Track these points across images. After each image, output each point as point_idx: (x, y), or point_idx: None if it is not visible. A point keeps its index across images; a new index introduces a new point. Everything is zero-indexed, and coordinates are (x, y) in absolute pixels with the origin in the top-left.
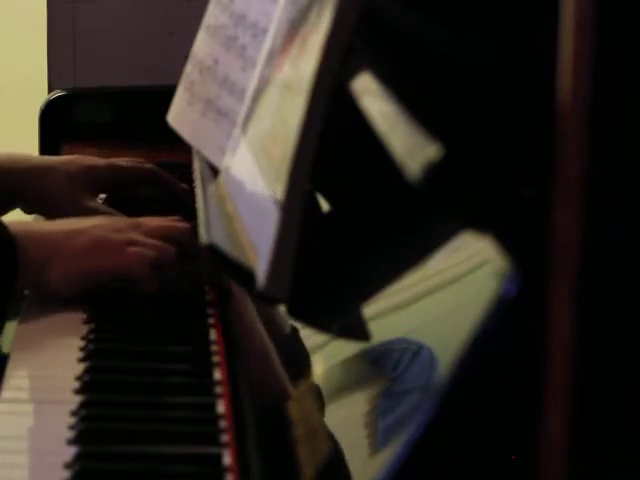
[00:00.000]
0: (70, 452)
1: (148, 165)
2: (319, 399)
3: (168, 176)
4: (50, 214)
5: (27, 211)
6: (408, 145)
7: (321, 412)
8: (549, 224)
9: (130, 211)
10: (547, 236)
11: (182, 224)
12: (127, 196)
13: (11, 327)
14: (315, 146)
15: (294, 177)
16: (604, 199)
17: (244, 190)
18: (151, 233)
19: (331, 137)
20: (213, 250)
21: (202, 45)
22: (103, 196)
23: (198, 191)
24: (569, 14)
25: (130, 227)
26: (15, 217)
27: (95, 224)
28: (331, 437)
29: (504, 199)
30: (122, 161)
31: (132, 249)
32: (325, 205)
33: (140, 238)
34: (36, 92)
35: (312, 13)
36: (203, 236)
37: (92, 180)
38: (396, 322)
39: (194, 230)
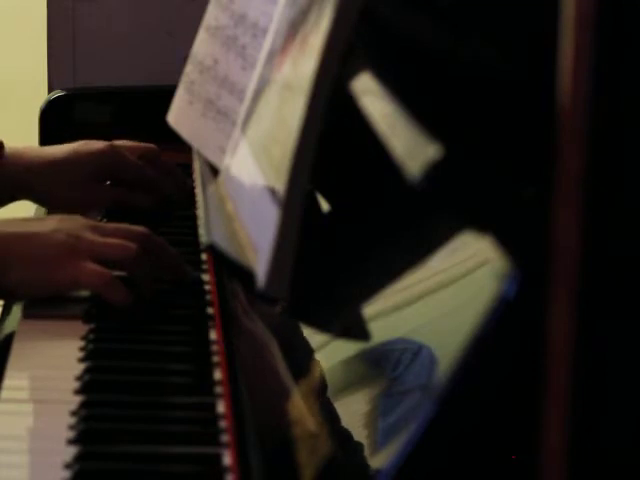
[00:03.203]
0: (70, 452)
1: (159, 156)
2: (319, 399)
3: (180, 173)
4: (55, 208)
5: (36, 202)
6: (408, 145)
7: (321, 412)
8: (549, 224)
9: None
10: (547, 236)
11: (141, 227)
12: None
13: (9, 325)
14: (315, 146)
15: (294, 177)
16: (604, 199)
17: (244, 190)
18: (110, 234)
19: (331, 137)
20: (213, 250)
21: (202, 45)
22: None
23: (198, 191)
24: (569, 13)
25: (89, 230)
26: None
27: (55, 227)
28: (331, 437)
29: (504, 199)
30: (125, 144)
31: (91, 266)
32: (325, 205)
33: (99, 240)
34: (36, 92)
35: (312, 13)
36: (203, 236)
37: (97, 168)
38: (396, 322)
39: (153, 234)
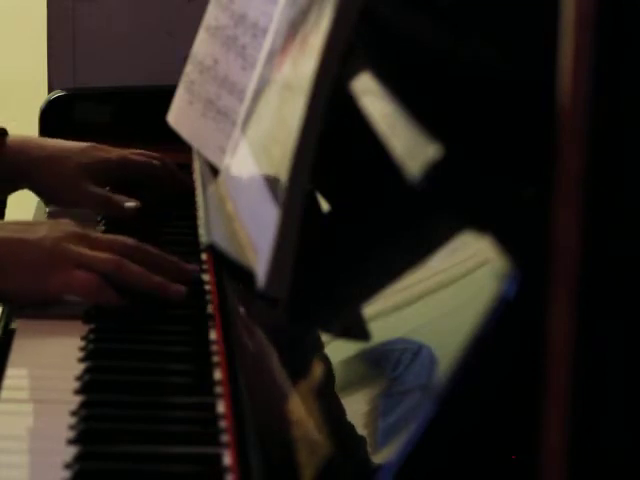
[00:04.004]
0: (70, 452)
1: (162, 160)
2: (319, 399)
3: (181, 173)
4: (57, 201)
5: (36, 193)
6: (408, 145)
7: (321, 412)
8: (549, 224)
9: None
10: (547, 236)
11: (129, 239)
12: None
13: (9, 325)
14: (315, 146)
15: (294, 177)
16: (604, 199)
17: (244, 190)
18: (98, 245)
19: (331, 137)
20: (213, 250)
21: (202, 45)
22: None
23: (198, 191)
24: (569, 13)
25: (78, 239)
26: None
27: (44, 234)
28: (331, 437)
29: (504, 199)
30: (136, 154)
31: (79, 273)
32: (325, 205)
33: (86, 252)
34: (36, 92)
35: (312, 13)
36: (203, 236)
37: (102, 173)
38: (396, 322)
39: (142, 244)
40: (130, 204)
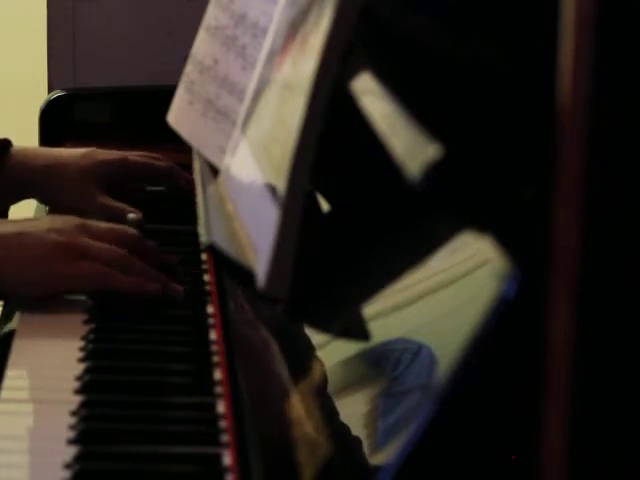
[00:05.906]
0: (70, 452)
1: (164, 162)
2: (319, 399)
3: (184, 173)
4: (63, 208)
5: (41, 202)
6: (408, 145)
7: (321, 412)
8: (549, 224)
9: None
10: (547, 236)
11: (131, 230)
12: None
13: (9, 325)
14: (315, 146)
15: (294, 177)
16: (605, 199)
17: (244, 190)
18: (101, 237)
19: (331, 137)
20: (213, 250)
21: (202, 45)
22: None
23: (198, 191)
24: (569, 13)
25: (80, 230)
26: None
27: (47, 227)
28: (331, 437)
29: (504, 199)
30: (136, 156)
31: (85, 264)
32: (325, 205)
33: (91, 243)
34: (36, 92)
35: (312, 13)
36: (203, 236)
37: (104, 175)
38: (396, 322)
39: (142, 237)
40: (132, 216)
